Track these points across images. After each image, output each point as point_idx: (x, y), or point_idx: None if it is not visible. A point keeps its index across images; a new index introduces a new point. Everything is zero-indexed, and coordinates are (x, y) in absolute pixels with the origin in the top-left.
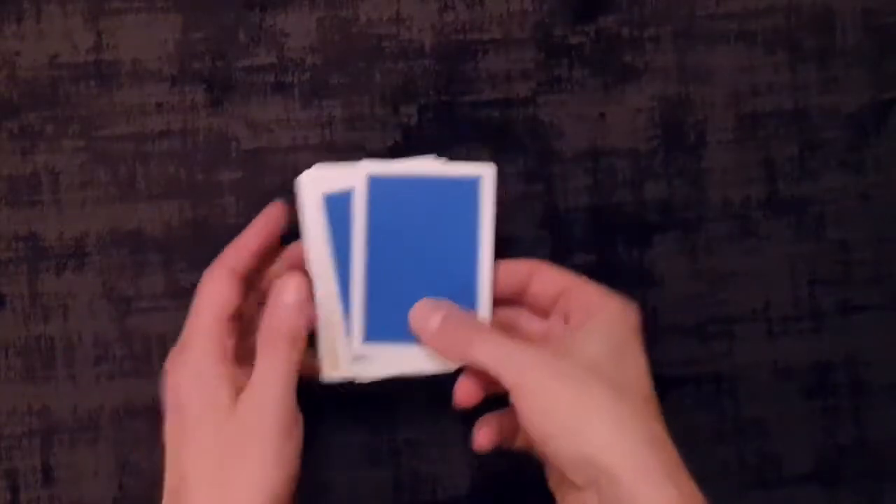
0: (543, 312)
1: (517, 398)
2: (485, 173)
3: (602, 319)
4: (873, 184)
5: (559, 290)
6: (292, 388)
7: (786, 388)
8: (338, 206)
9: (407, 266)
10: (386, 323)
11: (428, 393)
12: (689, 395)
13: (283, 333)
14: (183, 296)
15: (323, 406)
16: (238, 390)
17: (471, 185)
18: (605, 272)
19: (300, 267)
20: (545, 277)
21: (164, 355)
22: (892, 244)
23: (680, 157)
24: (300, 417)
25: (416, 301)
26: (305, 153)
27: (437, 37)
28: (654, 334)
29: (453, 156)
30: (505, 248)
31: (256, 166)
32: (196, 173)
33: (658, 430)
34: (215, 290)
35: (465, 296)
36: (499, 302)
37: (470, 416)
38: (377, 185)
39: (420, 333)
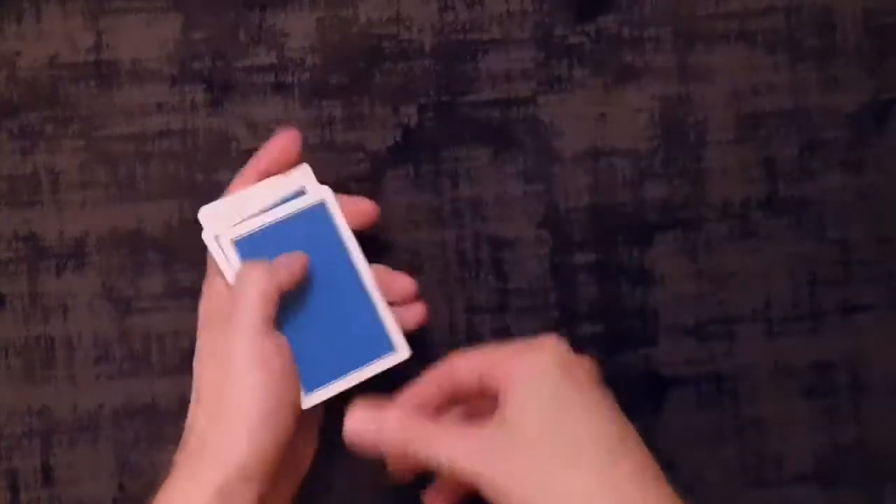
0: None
1: (479, 487)
2: (325, 195)
3: (522, 386)
4: (873, 184)
5: (478, 373)
6: (268, 310)
7: (786, 388)
8: (250, 248)
9: (309, 314)
10: (316, 372)
11: None
12: (689, 395)
13: (275, 268)
14: (183, 296)
15: (324, 407)
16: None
17: (321, 211)
18: (605, 272)
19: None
20: (462, 367)
21: (164, 355)
22: (892, 244)
23: (680, 157)
24: (280, 342)
25: (325, 343)
26: (305, 153)
27: (437, 37)
28: (654, 334)
29: (453, 156)
30: (505, 247)
31: None
32: (196, 173)
33: (622, 487)
34: None
35: (377, 339)
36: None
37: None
38: (243, 247)
39: (358, 447)
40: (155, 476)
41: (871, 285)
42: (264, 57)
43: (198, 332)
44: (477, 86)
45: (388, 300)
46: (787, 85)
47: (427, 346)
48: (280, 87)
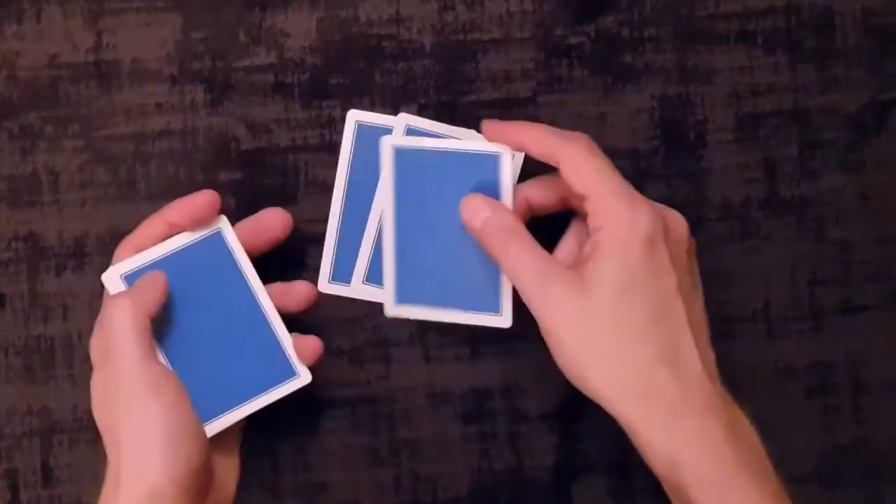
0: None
1: (533, 310)
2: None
3: (609, 252)
4: (873, 184)
5: (583, 194)
6: (143, 336)
7: (786, 388)
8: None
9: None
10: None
11: (428, 393)
12: None
13: (136, 293)
14: None
15: (323, 407)
16: None
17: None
18: None
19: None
20: (570, 172)
21: None
22: (892, 244)
23: (680, 157)
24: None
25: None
26: (305, 153)
27: (437, 37)
28: None
29: None
30: None
31: (256, 166)
32: (196, 173)
33: (657, 374)
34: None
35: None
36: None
37: (470, 416)
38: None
39: (467, 224)
40: None
41: (871, 285)
42: (264, 57)
43: (92, 375)
44: (477, 86)
45: (290, 309)
46: (787, 85)
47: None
48: (280, 87)
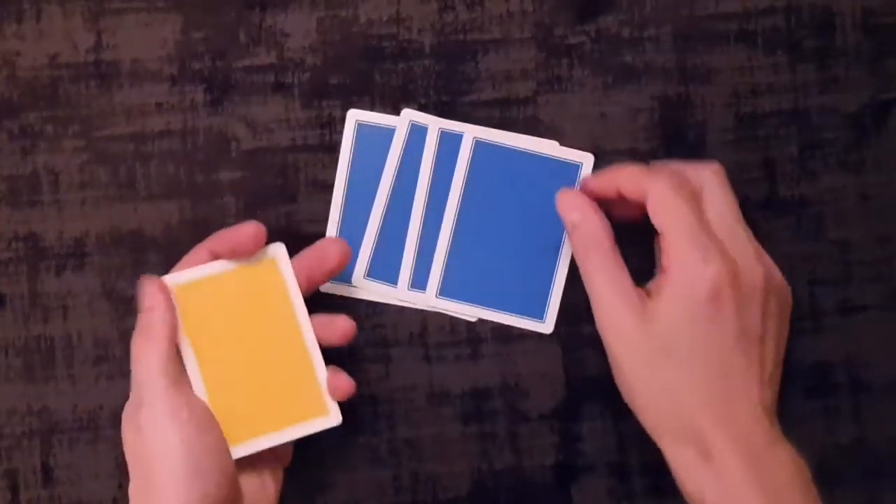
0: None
1: (598, 321)
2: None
3: (673, 295)
4: (873, 184)
5: (660, 231)
6: (167, 380)
7: (785, 388)
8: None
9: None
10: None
11: (428, 393)
12: None
13: (153, 333)
14: None
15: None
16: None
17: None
18: None
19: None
20: (651, 208)
21: None
22: (892, 244)
23: (680, 157)
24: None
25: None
26: (305, 153)
27: (437, 37)
28: None
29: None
30: None
31: (256, 166)
32: (196, 173)
33: (698, 422)
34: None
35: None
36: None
37: (470, 416)
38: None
39: (562, 215)
40: None
41: (871, 285)
42: (264, 57)
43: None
44: (477, 86)
45: (328, 343)
46: (787, 85)
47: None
48: (280, 87)
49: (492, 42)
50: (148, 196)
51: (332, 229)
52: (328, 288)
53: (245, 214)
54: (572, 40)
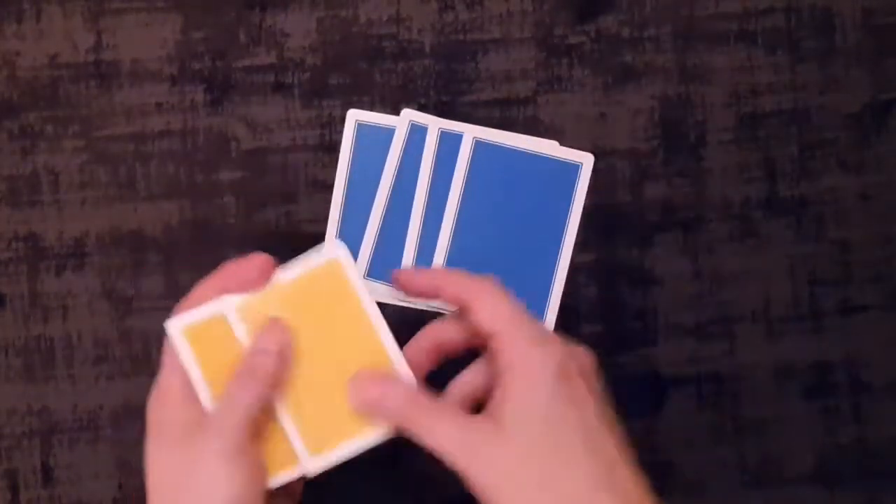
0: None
1: (467, 480)
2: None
3: (523, 388)
4: (873, 184)
5: (492, 331)
6: (248, 422)
7: (786, 388)
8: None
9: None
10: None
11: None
12: (689, 395)
13: (258, 375)
14: (183, 296)
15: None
16: None
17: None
18: (605, 272)
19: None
20: (480, 310)
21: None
22: (892, 244)
23: (680, 157)
24: (253, 455)
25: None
26: (305, 153)
27: (437, 37)
28: (654, 334)
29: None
30: None
31: (256, 166)
32: (196, 173)
33: (598, 501)
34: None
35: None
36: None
37: None
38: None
39: (368, 407)
40: None
41: (871, 285)
42: (264, 57)
43: (146, 442)
44: (477, 86)
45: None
46: (786, 85)
47: None
48: (280, 87)
49: (492, 42)
50: (148, 196)
51: (332, 229)
52: None
53: (245, 214)
54: (572, 40)
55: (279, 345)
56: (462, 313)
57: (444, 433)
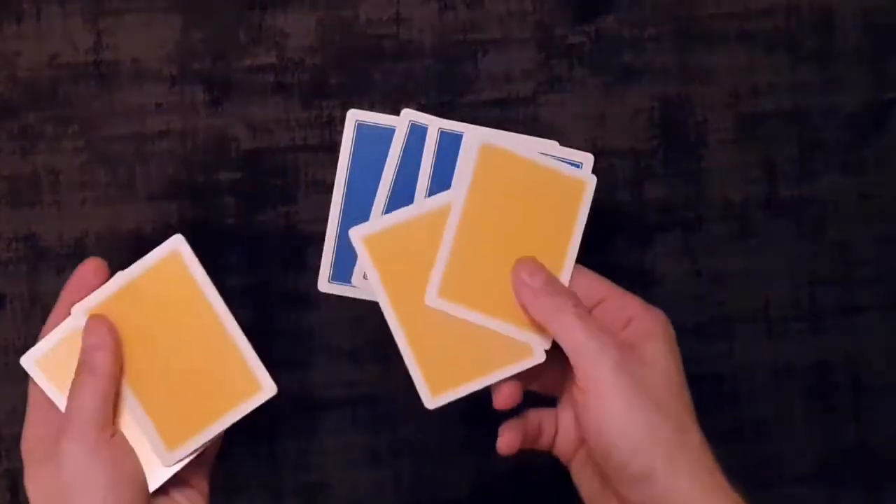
0: None
1: (582, 391)
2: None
3: (663, 345)
4: (873, 184)
5: (599, 298)
6: (98, 415)
7: (786, 388)
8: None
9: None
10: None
11: None
12: None
13: (96, 371)
14: None
15: (323, 407)
16: None
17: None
18: (605, 272)
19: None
20: (583, 283)
21: None
22: (892, 244)
23: (680, 157)
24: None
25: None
26: (305, 153)
27: (437, 37)
28: None
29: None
30: None
31: (256, 166)
32: (196, 173)
33: (706, 460)
34: None
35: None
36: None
37: (471, 417)
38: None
39: (520, 287)
40: None
41: (871, 285)
42: (264, 57)
43: (25, 481)
44: (477, 86)
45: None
46: (787, 85)
47: None
48: (280, 87)
49: (492, 42)
50: (148, 196)
51: (332, 229)
52: (328, 288)
53: (245, 214)
54: (572, 40)
55: (104, 337)
56: None
57: (575, 331)
